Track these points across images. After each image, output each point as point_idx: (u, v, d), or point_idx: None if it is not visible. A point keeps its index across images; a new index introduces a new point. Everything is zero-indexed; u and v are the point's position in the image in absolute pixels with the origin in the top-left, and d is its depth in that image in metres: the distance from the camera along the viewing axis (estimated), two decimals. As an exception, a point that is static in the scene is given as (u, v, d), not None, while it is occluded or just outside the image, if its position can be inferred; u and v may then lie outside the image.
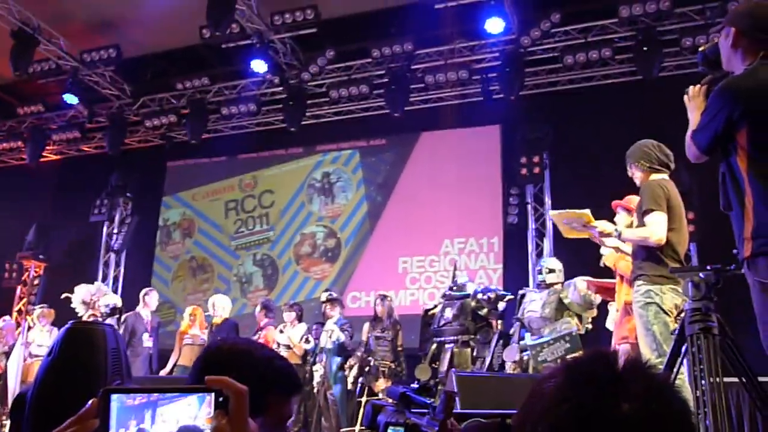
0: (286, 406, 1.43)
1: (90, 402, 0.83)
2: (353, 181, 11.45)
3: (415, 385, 1.52)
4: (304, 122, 10.84)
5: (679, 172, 5.66)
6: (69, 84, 10.86)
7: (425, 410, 1.42)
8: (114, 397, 0.83)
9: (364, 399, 7.69)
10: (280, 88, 10.89)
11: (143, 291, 9.01)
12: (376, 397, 7.52)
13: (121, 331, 7.75)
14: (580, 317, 6.42)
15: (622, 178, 4.64)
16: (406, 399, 1.44)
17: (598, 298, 6.22)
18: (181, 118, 11.48)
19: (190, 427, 0.83)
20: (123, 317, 8.64)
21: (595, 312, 6.44)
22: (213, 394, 0.84)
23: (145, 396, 0.84)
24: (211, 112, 11.50)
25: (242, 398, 0.84)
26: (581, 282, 6.19)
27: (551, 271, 6.75)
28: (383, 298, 8.39)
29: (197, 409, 0.84)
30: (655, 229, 4.09)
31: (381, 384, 7.77)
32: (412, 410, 1.43)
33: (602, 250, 5.15)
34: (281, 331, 8.49)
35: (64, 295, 7.74)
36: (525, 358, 6.45)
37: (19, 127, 12.35)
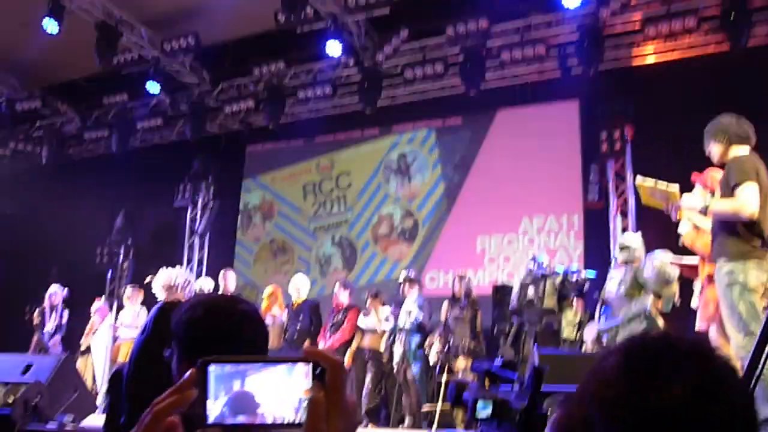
0: None
1: (188, 372, 0.85)
2: (430, 161, 11.42)
3: (498, 362, 1.52)
4: (379, 103, 10.84)
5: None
6: (151, 73, 11.19)
7: (509, 386, 1.42)
8: (211, 368, 0.85)
9: (443, 377, 7.72)
10: (355, 70, 10.92)
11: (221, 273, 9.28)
12: (456, 376, 7.52)
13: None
14: (659, 295, 6.13)
15: (705, 153, 4.46)
16: (491, 375, 1.45)
17: (675, 273, 5.90)
18: (259, 103, 11.67)
19: (245, 392, 0.84)
20: None
21: (674, 289, 5.99)
22: (310, 366, 0.85)
23: (234, 366, 0.85)
24: (288, 96, 11.64)
25: (339, 371, 0.85)
26: (657, 258, 5.85)
27: (624, 248, 6.40)
28: (461, 278, 8.38)
29: (286, 378, 0.85)
30: (748, 201, 3.90)
31: (461, 363, 7.78)
32: (497, 386, 1.43)
33: (680, 230, 4.96)
34: (365, 315, 8.57)
35: (147, 279, 7.99)
36: (604, 340, 6.30)
37: (105, 117, 12.80)
